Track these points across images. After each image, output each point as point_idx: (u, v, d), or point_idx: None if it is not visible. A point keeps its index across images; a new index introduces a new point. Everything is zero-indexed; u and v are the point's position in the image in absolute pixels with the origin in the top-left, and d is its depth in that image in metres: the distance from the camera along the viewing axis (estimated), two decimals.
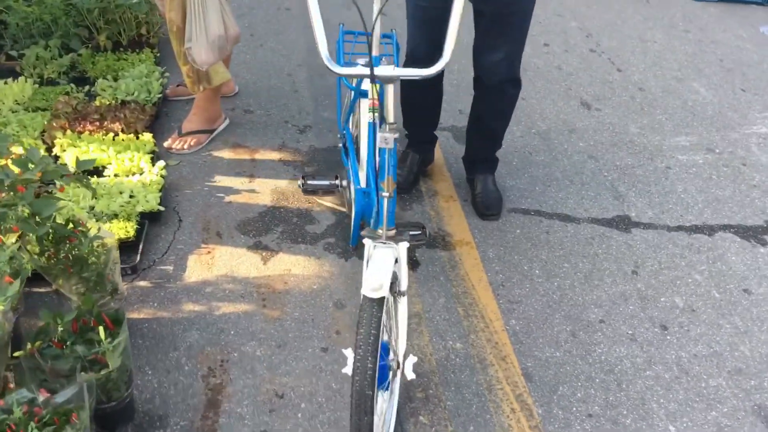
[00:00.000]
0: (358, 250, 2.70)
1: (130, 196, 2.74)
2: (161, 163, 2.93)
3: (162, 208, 2.72)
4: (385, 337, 1.88)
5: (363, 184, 2.36)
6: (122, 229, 2.56)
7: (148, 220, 2.69)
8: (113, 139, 3.05)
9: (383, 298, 1.73)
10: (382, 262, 1.76)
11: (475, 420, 2.12)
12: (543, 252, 2.77)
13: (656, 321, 2.52)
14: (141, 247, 2.58)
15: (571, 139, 3.51)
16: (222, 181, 3.02)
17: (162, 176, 2.87)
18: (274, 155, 3.20)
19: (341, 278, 2.58)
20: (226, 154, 3.19)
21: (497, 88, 2.74)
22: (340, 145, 2.85)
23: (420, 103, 2.92)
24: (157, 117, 3.32)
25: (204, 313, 2.40)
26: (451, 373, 2.26)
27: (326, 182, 2.45)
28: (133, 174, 2.87)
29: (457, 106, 3.65)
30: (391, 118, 1.80)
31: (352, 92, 2.65)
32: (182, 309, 2.41)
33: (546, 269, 2.70)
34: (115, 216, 2.63)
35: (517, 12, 2.56)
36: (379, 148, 1.80)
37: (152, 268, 2.56)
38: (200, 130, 3.22)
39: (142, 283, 2.50)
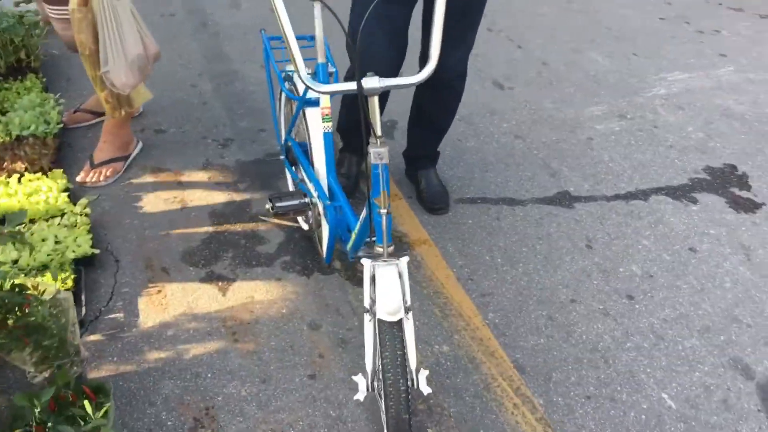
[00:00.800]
0: (319, 264, 2.58)
1: (56, 243, 2.47)
2: (83, 201, 2.66)
3: (96, 251, 2.48)
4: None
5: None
6: (57, 282, 2.30)
7: (83, 266, 2.44)
8: (19, 181, 2.74)
9: (401, 319, 1.66)
10: (392, 283, 1.68)
11: (482, 423, 2.08)
12: (500, 239, 2.77)
13: (622, 292, 2.58)
14: (83, 297, 2.33)
15: (494, 121, 3.54)
16: (152, 210, 2.79)
17: (86, 215, 2.61)
18: (202, 175, 2.99)
19: (309, 297, 2.45)
20: (149, 179, 2.95)
21: (447, 84, 2.65)
22: (282, 157, 2.69)
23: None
24: (59, 149, 3.02)
25: (172, 359, 2.21)
26: (446, 379, 2.21)
27: (296, 202, 2.29)
28: (53, 217, 2.59)
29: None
30: (378, 131, 1.70)
31: (290, 101, 2.52)
32: (147, 359, 2.21)
33: (507, 256, 2.70)
34: (45, 267, 2.37)
35: (477, 5, 2.46)
36: (373, 164, 1.70)
37: (100, 318, 2.33)
38: (114, 158, 2.96)
39: (94, 337, 2.26)
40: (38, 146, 2.91)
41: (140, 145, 3.10)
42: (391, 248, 1.75)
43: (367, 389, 1.82)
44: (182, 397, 2.10)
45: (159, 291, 2.44)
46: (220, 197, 2.88)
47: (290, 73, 2.44)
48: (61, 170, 2.81)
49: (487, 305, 2.48)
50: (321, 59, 2.20)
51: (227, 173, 3.02)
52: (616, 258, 2.74)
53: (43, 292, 1.84)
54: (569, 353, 2.33)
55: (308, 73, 2.19)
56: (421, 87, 2.69)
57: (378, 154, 1.67)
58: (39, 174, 2.78)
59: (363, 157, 2.96)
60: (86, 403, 1.65)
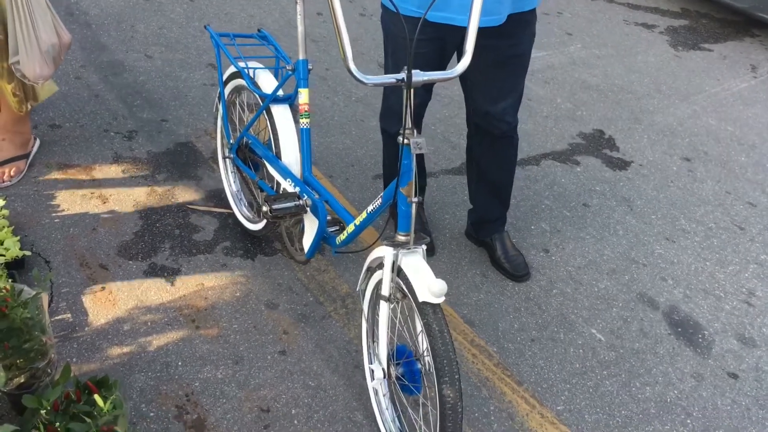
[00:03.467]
0: (260, 246, 2.61)
1: None
2: None
3: (28, 253, 2.35)
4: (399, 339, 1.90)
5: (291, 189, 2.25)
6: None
7: (14, 269, 2.30)
8: None
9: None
10: (426, 267, 1.74)
11: None
12: (425, 209, 2.94)
13: (538, 246, 2.87)
14: (47, 297, 2.20)
15: None
16: (70, 207, 2.66)
17: (4, 216, 2.45)
18: (115, 169, 2.89)
19: (258, 279, 2.49)
20: (57, 176, 2.80)
21: (505, 137, 2.52)
22: (232, 155, 2.59)
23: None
24: None
25: (137, 353, 2.17)
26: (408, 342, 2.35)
27: (292, 204, 2.16)
28: None
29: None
30: (410, 123, 1.72)
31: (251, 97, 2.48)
32: (109, 355, 2.15)
33: (433, 224, 2.88)
34: None
35: (525, 52, 2.37)
36: (407, 154, 1.71)
37: None
38: (16, 157, 2.78)
39: None
40: None
41: (38, 142, 2.92)
42: (413, 236, 1.78)
43: (384, 375, 1.88)
44: (158, 387, 2.07)
45: (103, 288, 2.36)
46: (140, 189, 2.80)
47: (251, 70, 2.40)
48: None
49: None
50: (302, 56, 2.20)
51: (141, 165, 2.93)
52: (525, 218, 3.02)
53: (20, 293, 1.76)
54: (508, 304, 2.57)
55: (288, 70, 2.20)
56: (476, 145, 2.63)
57: (417, 144, 1.69)
58: None
59: (421, 203, 2.85)
60: (97, 397, 1.61)
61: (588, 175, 3.37)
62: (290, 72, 2.22)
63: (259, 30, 2.54)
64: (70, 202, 2.69)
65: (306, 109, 2.19)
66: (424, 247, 1.82)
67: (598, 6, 5.53)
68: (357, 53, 4.13)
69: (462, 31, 2.25)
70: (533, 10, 2.30)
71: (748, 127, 4.02)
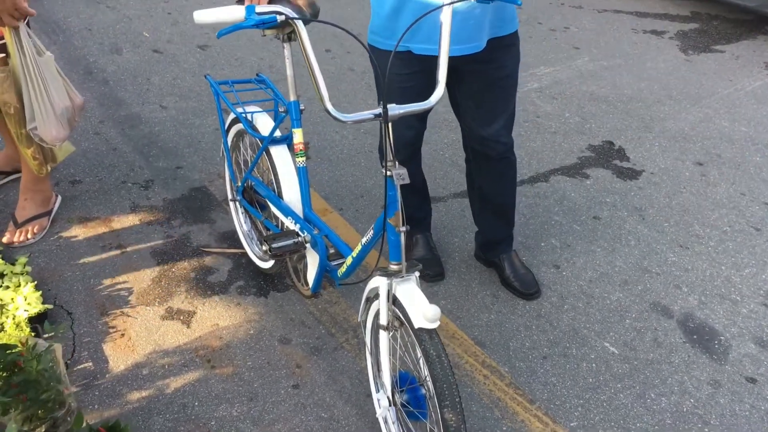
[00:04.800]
0: (273, 283, 2.68)
1: (1, 307, 2.42)
2: (22, 259, 2.62)
3: (50, 306, 2.45)
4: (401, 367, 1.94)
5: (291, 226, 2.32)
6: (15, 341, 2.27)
7: (38, 323, 2.41)
8: None
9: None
10: (420, 294, 1.79)
11: (461, 396, 2.27)
12: (433, 234, 2.98)
13: (548, 263, 2.88)
14: (62, 348, 2.30)
15: None
16: (91, 260, 2.77)
17: (27, 272, 2.57)
18: (132, 218, 3.01)
19: (272, 315, 2.56)
20: (78, 231, 2.92)
21: (503, 159, 2.55)
22: (239, 198, 2.69)
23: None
24: None
25: (155, 396, 2.24)
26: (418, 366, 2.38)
27: (291, 242, 2.24)
28: None
29: None
30: (392, 155, 1.78)
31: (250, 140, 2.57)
32: (129, 400, 2.23)
33: (442, 248, 2.92)
34: (1, 329, 2.32)
35: (511, 73, 2.42)
36: (392, 186, 1.77)
37: (69, 372, 2.31)
38: (38, 215, 2.91)
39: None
40: None
41: (59, 198, 3.06)
42: (404, 265, 1.83)
43: (389, 404, 1.93)
44: (176, 428, 2.14)
45: (122, 335, 2.45)
46: (157, 236, 2.91)
47: (249, 114, 2.50)
48: None
49: (437, 294, 2.69)
50: (293, 97, 2.28)
51: (157, 212, 3.04)
52: (535, 235, 3.04)
53: (34, 346, 1.85)
54: (518, 323, 2.58)
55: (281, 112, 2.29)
56: (475, 169, 2.68)
57: (399, 175, 1.74)
58: None
59: (429, 230, 2.91)
60: None
61: (598, 188, 3.38)
62: (284, 114, 2.31)
63: (257, 75, 2.64)
64: (90, 254, 2.80)
65: (301, 148, 2.26)
66: (417, 274, 1.87)
67: (605, 18, 5.54)
68: (371, 95, 4.22)
69: (450, 62, 2.31)
70: (514, 33, 2.35)
71: (762, 126, 3.98)
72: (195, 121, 3.72)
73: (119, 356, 2.37)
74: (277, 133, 2.40)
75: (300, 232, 2.26)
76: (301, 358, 2.40)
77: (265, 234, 2.50)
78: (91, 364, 2.34)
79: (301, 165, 2.29)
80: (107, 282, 2.67)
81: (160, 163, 3.38)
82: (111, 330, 2.47)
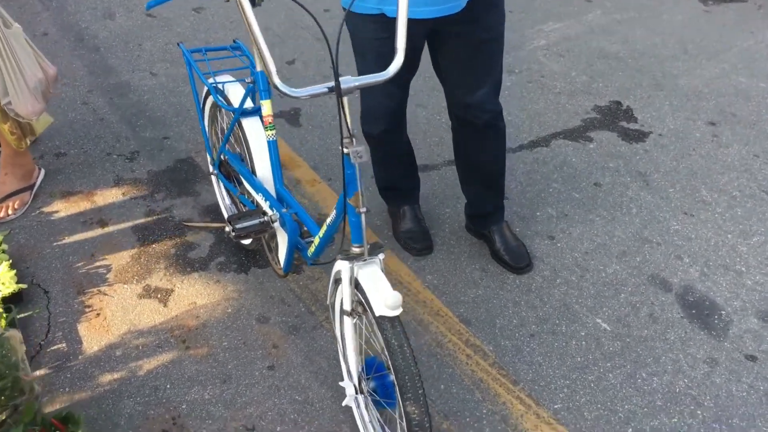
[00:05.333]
0: (255, 259, 2.60)
1: None
2: None
3: (23, 286, 2.41)
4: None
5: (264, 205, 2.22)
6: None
7: (12, 303, 2.36)
8: None
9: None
10: (382, 279, 1.69)
11: (441, 378, 2.19)
12: (422, 204, 2.86)
13: (543, 234, 2.75)
14: (20, 335, 2.26)
15: None
16: (71, 236, 2.72)
17: (3, 251, 2.52)
18: (115, 192, 2.94)
19: (251, 293, 2.48)
20: (60, 206, 2.86)
21: (490, 126, 2.40)
22: (216, 171, 2.61)
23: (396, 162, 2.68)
24: None
25: (127, 378, 2.19)
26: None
27: (256, 221, 2.14)
28: None
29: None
30: (350, 130, 1.64)
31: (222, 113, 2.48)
32: (100, 383, 2.18)
33: (430, 219, 2.80)
34: None
35: (497, 36, 2.27)
36: (349, 164, 1.65)
37: (42, 353, 2.27)
38: (20, 190, 2.85)
39: (40, 372, 2.21)
40: None
41: (42, 172, 3.00)
42: (367, 247, 1.74)
43: (356, 391, 1.86)
44: (145, 412, 2.09)
45: (98, 314, 2.40)
46: (139, 211, 2.84)
47: (222, 84, 2.39)
48: None
49: (423, 269, 2.59)
50: (260, 67, 2.15)
51: (141, 186, 2.97)
52: (531, 204, 2.90)
53: None
54: (507, 299, 2.47)
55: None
56: (461, 137, 2.51)
57: (357, 153, 1.62)
58: None
59: (417, 202, 2.78)
60: None
61: (601, 152, 3.22)
62: (251, 84, 2.19)
63: (234, 41, 2.52)
64: (71, 230, 2.74)
65: (270, 121, 2.14)
66: (381, 256, 1.76)
67: None
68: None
69: (427, 23, 2.17)
70: None
71: None
72: (185, 89, 3.61)
73: (93, 337, 2.32)
74: (249, 105, 2.29)
75: (268, 210, 2.16)
76: (278, 338, 2.32)
77: (243, 209, 2.41)
78: (64, 345, 2.30)
79: (271, 138, 2.17)
80: (86, 259, 2.62)
81: (146, 133, 3.29)
82: (87, 309, 2.42)
